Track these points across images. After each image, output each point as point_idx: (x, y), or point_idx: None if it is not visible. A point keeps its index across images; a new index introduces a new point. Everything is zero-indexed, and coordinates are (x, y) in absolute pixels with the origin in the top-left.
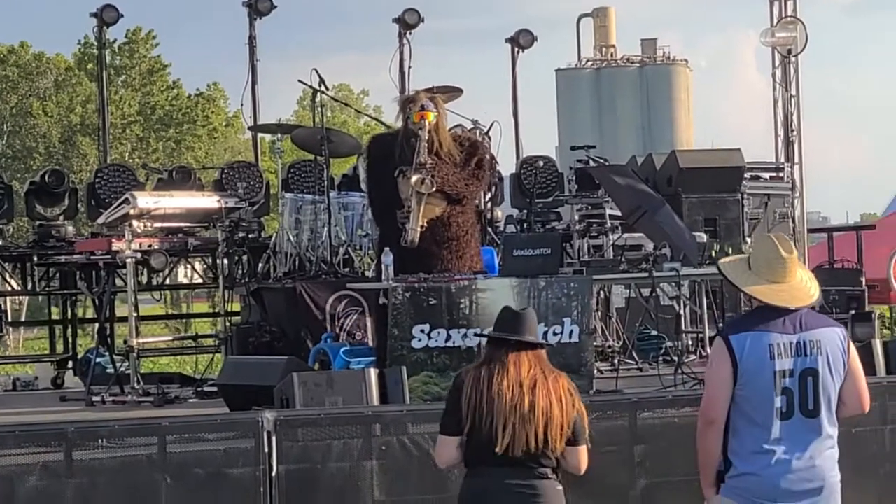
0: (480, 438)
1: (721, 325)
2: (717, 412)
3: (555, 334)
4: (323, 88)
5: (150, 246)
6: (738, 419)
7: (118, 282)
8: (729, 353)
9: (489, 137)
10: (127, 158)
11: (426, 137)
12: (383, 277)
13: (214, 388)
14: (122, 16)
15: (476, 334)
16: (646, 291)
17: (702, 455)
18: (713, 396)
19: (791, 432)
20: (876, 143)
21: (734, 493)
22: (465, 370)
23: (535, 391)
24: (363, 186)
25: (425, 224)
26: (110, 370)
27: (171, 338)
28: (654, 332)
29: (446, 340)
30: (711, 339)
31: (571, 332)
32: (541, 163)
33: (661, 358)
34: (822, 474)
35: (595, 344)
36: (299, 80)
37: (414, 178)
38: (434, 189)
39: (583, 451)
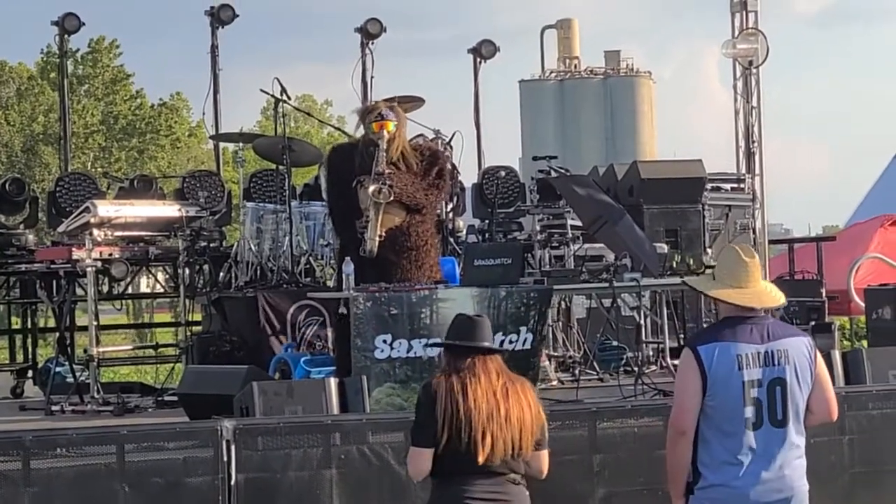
0: (458, 449)
1: (683, 336)
2: (687, 423)
3: (510, 342)
4: (285, 97)
5: (110, 255)
6: (708, 430)
7: (78, 291)
8: (697, 364)
9: (451, 147)
10: (89, 168)
11: (384, 147)
12: (344, 287)
13: (175, 398)
14: (84, 24)
15: (434, 344)
16: (606, 302)
17: (672, 466)
18: (683, 407)
19: (760, 442)
20: (838, 157)
21: None
22: (434, 380)
23: (508, 398)
24: (324, 196)
25: (383, 234)
26: (70, 379)
27: (131, 347)
28: (615, 343)
29: (408, 351)
30: (672, 349)
31: (525, 339)
32: (502, 173)
33: (621, 368)
34: (792, 484)
35: (556, 354)
36: (261, 90)
37: (371, 188)
38: (391, 199)
39: (546, 455)
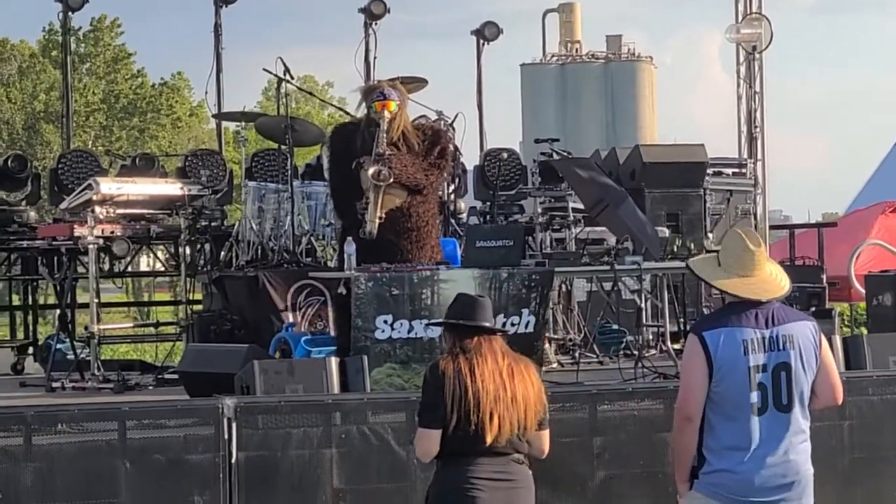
0: (466, 430)
1: (683, 319)
2: (693, 408)
3: (512, 325)
4: (288, 77)
5: (112, 232)
6: (713, 415)
7: (80, 268)
8: (703, 350)
9: (453, 129)
10: (90, 146)
11: (385, 128)
12: (346, 267)
13: (175, 376)
14: (87, 1)
15: (436, 322)
16: (607, 285)
17: (678, 451)
18: (689, 393)
19: (765, 427)
20: (838, 145)
21: (708, 489)
22: (441, 361)
23: (513, 378)
24: (326, 176)
25: (383, 215)
26: (71, 357)
27: (132, 325)
28: (615, 326)
29: (409, 331)
30: (672, 333)
31: (528, 322)
32: (505, 155)
33: (621, 352)
34: (797, 468)
35: (556, 337)
36: (264, 69)
37: (371, 170)
38: (392, 180)
39: (547, 435)
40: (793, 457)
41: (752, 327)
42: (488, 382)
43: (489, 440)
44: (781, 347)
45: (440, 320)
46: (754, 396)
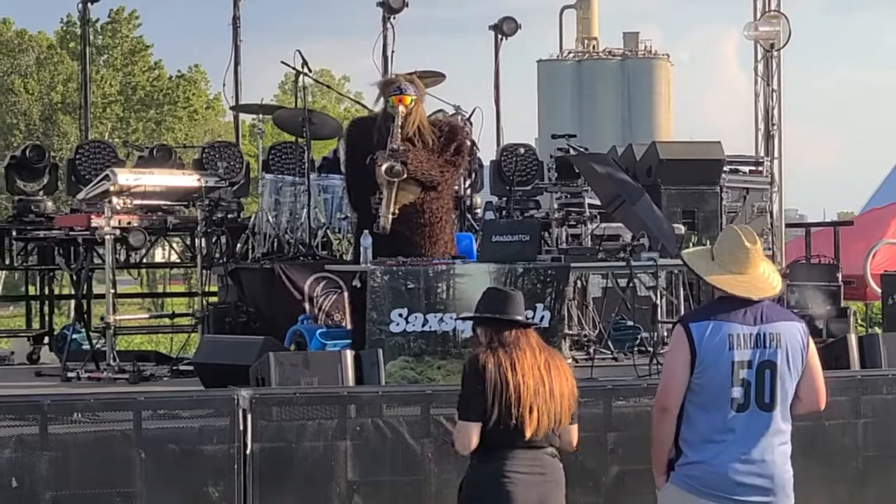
0: (507, 424)
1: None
2: (671, 400)
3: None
4: (306, 70)
5: (129, 223)
6: (692, 408)
7: (96, 259)
8: (688, 341)
9: (471, 123)
10: (107, 138)
11: (399, 123)
12: (362, 260)
13: (190, 368)
14: None
15: (467, 317)
16: (623, 281)
17: (655, 442)
18: (669, 383)
19: (745, 424)
20: (854, 144)
21: (683, 482)
22: (482, 355)
23: (550, 373)
24: (342, 170)
25: (397, 211)
26: (86, 347)
27: (147, 316)
28: (630, 323)
29: (423, 325)
30: None
31: (543, 317)
32: (521, 150)
33: (636, 348)
34: (773, 470)
35: (571, 333)
36: (282, 62)
37: (384, 165)
38: (405, 176)
39: (576, 429)
40: (769, 457)
41: (740, 323)
42: (528, 377)
43: (528, 434)
44: (768, 345)
45: (473, 314)
46: (736, 392)
